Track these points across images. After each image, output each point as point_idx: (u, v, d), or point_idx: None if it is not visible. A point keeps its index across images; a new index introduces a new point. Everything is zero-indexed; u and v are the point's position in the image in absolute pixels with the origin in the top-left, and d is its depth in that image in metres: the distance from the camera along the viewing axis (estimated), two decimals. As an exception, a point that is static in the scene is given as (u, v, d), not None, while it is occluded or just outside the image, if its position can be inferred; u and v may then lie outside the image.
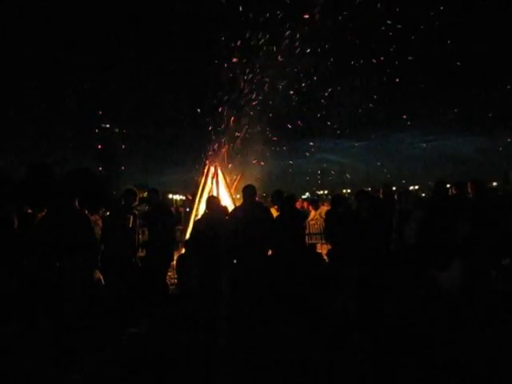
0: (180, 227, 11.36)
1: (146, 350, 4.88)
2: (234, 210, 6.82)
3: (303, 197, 25.72)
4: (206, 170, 10.84)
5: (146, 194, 8.62)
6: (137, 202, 6.85)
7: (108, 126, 40.07)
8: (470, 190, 6.78)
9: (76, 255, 4.30)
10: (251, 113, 12.48)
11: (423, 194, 19.38)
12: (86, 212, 4.53)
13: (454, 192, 6.76)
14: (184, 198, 29.96)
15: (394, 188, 7.10)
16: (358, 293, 5.90)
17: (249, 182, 7.40)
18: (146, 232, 7.40)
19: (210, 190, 10.51)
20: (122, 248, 6.25)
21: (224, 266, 5.82)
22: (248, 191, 6.47)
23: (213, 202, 6.36)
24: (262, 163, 13.68)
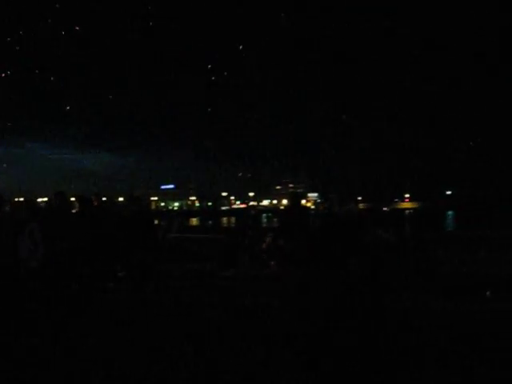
0: None
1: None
2: None
3: None
4: None
5: None
6: None
7: None
8: (94, 203, 7.35)
9: None
10: None
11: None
12: None
13: (78, 205, 7.15)
14: None
15: (22, 198, 7.01)
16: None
17: None
18: None
19: None
20: None
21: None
22: None
23: None
24: None
